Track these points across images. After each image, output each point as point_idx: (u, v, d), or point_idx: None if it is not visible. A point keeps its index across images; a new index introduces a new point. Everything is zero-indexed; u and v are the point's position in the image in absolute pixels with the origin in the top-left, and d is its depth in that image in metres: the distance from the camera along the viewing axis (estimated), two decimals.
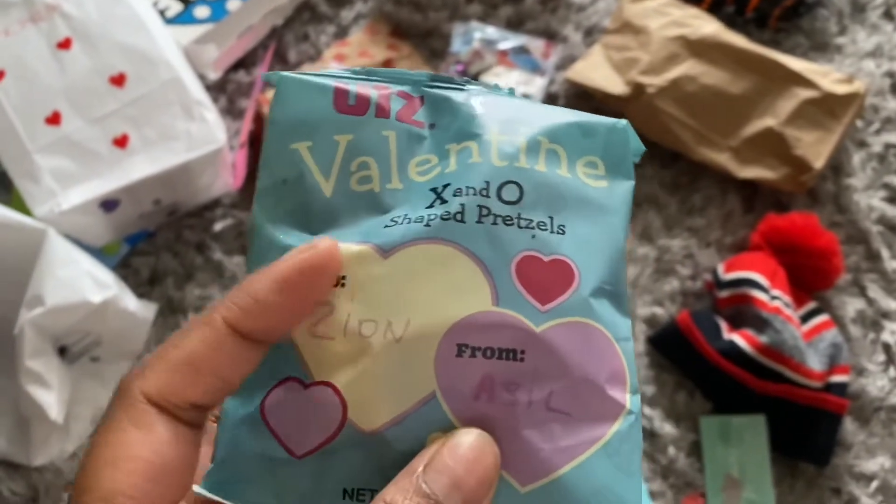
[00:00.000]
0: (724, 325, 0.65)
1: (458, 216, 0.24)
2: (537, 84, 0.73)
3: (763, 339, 0.62)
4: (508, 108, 0.27)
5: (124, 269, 0.68)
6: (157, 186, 0.64)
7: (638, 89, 0.70)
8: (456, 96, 0.26)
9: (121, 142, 0.63)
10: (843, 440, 0.64)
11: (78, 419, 0.62)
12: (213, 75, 0.73)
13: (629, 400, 0.24)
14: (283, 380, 0.24)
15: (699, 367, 0.64)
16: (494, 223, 0.24)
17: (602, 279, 0.24)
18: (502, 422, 0.23)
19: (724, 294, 0.65)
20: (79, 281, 0.58)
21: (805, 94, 0.68)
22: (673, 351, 0.65)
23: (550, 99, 0.75)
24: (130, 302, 0.62)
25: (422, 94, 0.26)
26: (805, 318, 0.65)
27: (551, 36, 0.77)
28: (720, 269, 0.66)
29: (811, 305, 0.66)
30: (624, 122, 0.26)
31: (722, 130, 0.69)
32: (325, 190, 0.25)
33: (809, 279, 0.66)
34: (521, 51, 0.75)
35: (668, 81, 0.69)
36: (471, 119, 0.26)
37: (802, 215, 0.67)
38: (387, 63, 0.74)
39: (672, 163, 0.72)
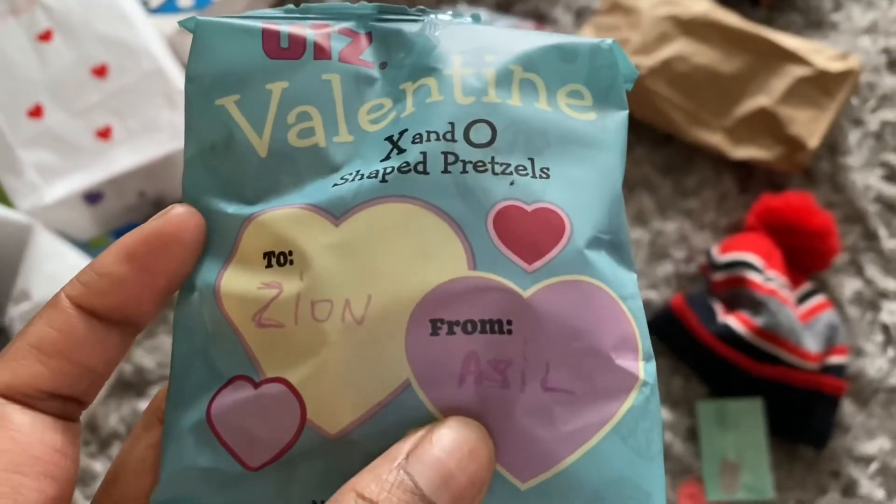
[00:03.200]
0: (718, 308, 0.64)
1: (420, 167, 0.20)
2: None
3: (758, 321, 0.61)
4: (472, 36, 0.22)
5: None
6: (141, 178, 0.63)
7: None
8: (409, 28, 0.22)
9: (104, 133, 0.62)
10: (842, 422, 0.63)
11: None
12: None
13: (642, 368, 0.20)
14: (231, 379, 0.20)
15: (694, 350, 0.63)
16: (464, 171, 0.20)
17: (598, 227, 0.21)
18: (493, 409, 0.19)
19: (718, 276, 0.64)
20: (65, 275, 0.57)
21: (798, 71, 0.67)
22: (668, 335, 0.64)
23: None
24: None
25: (369, 30, 0.23)
26: (802, 300, 0.64)
27: (540, 18, 0.76)
28: (714, 251, 0.66)
29: (808, 286, 0.65)
30: (609, 41, 0.23)
31: (715, 110, 0.68)
32: (260, 149, 0.21)
33: (806, 260, 0.65)
34: None
35: (660, 62, 0.68)
36: (427, 52, 0.22)
37: (798, 195, 0.65)
38: None
39: (665, 144, 0.71)
